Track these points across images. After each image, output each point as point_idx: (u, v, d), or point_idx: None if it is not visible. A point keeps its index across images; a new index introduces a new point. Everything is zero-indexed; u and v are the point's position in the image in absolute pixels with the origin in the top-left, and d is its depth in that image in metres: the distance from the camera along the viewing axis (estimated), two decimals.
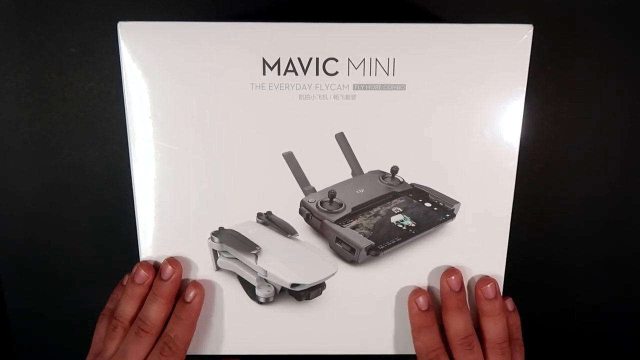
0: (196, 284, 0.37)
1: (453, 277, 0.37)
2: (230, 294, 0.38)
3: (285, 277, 0.37)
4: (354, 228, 0.37)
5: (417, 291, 0.38)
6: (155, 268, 0.37)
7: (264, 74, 0.34)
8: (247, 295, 0.38)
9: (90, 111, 0.43)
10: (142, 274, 0.37)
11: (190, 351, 0.39)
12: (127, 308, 0.37)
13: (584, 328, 0.49)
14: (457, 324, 0.37)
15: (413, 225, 0.38)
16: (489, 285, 0.37)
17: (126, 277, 0.39)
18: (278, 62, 0.34)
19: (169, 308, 0.37)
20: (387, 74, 0.34)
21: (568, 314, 0.48)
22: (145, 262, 0.37)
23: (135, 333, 0.36)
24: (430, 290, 0.38)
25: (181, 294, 0.37)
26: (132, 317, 0.37)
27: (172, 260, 0.37)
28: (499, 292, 0.38)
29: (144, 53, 0.34)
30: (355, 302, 0.38)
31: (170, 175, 0.36)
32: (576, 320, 0.48)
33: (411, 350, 0.39)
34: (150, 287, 0.37)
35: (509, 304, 0.40)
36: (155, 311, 0.36)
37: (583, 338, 0.49)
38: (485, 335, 0.37)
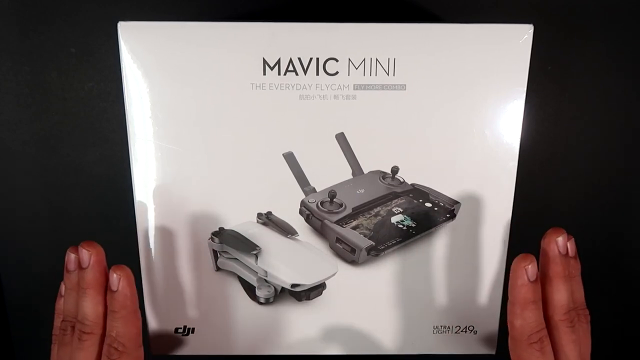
0: (118, 267, 0.32)
1: (561, 238, 0.30)
2: (230, 294, 0.38)
3: (286, 277, 0.37)
4: (354, 228, 0.37)
5: (525, 257, 0.30)
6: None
7: (264, 74, 0.34)
8: (247, 296, 0.38)
9: (90, 111, 0.43)
10: (73, 258, 0.32)
11: (191, 351, 0.39)
12: (71, 303, 0.33)
13: None
14: (563, 295, 0.30)
15: (413, 225, 0.38)
16: (567, 242, 0.31)
17: (62, 287, 0.34)
18: (278, 62, 0.34)
19: (104, 299, 0.32)
20: (388, 74, 0.34)
21: None
22: (75, 246, 0.33)
23: (78, 338, 0.32)
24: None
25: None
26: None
27: (88, 244, 0.32)
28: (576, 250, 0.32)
29: (144, 53, 0.34)
30: (355, 302, 0.38)
31: (170, 175, 0.36)
32: None
33: (411, 350, 0.39)
34: None
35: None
36: (89, 307, 0.32)
37: None
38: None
